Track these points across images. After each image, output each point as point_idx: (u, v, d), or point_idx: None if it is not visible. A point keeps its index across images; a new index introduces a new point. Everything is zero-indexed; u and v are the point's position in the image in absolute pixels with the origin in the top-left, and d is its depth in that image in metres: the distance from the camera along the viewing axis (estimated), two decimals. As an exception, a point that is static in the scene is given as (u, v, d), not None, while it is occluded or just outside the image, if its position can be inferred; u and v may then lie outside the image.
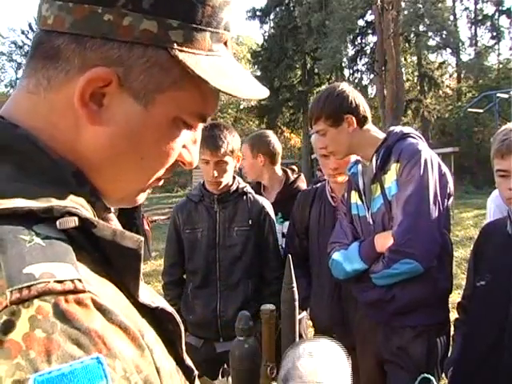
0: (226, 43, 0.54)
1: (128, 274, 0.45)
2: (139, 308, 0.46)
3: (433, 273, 1.62)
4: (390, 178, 1.66)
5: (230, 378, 1.31)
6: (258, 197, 2.18)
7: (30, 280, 0.35)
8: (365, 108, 1.78)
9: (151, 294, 0.50)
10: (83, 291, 0.37)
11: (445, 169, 1.67)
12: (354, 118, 1.74)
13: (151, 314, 0.47)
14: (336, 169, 2.02)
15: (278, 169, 2.54)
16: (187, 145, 0.58)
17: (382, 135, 1.77)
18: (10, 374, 0.32)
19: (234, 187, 2.11)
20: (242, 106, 37.20)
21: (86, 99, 0.48)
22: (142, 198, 0.59)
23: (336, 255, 1.81)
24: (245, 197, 2.12)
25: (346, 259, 1.76)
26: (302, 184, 2.53)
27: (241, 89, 0.53)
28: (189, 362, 0.54)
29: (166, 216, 13.41)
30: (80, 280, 0.38)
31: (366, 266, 1.70)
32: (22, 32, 38.40)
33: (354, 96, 1.76)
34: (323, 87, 29.68)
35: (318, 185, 2.31)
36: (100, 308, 0.38)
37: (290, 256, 1.23)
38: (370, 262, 1.69)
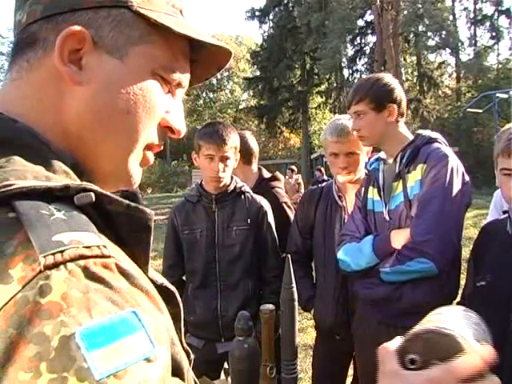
0: (181, 12, 0.59)
1: (139, 248, 0.48)
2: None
3: (443, 276, 1.63)
4: (414, 178, 1.68)
5: (229, 378, 1.31)
6: (256, 196, 2.17)
7: (60, 246, 0.38)
8: (404, 105, 1.81)
9: (154, 272, 0.53)
10: (108, 256, 0.40)
11: (467, 178, 1.68)
12: (396, 109, 1.76)
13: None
14: (345, 168, 2.01)
15: (254, 168, 2.53)
16: (171, 111, 0.60)
17: (410, 136, 1.80)
18: (56, 332, 0.34)
19: (231, 187, 2.11)
20: (241, 106, 37.24)
21: (66, 58, 0.51)
22: (136, 175, 0.60)
23: (347, 246, 1.81)
24: (243, 196, 2.13)
25: (357, 251, 1.76)
26: (278, 183, 2.50)
27: (203, 37, 0.57)
28: (185, 344, 0.56)
29: (166, 216, 13.39)
30: (105, 246, 0.40)
31: (376, 261, 1.70)
32: (22, 32, 38.36)
33: (399, 90, 1.80)
34: (322, 87, 29.79)
35: (324, 184, 2.30)
36: (123, 272, 0.41)
37: (289, 256, 1.23)
38: (382, 256, 1.69)
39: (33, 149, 0.48)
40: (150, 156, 0.61)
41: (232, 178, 2.14)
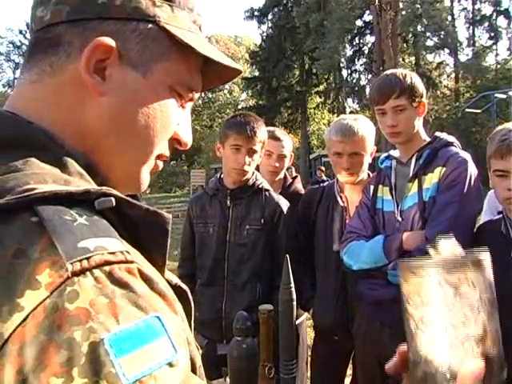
0: (200, 28, 0.61)
1: (156, 251, 0.49)
2: None
3: None
4: (431, 180, 1.66)
5: (228, 379, 1.31)
6: (274, 195, 2.10)
7: (86, 253, 0.38)
8: None
9: (168, 272, 0.54)
10: (132, 262, 0.41)
11: (480, 185, 1.68)
12: (426, 106, 1.76)
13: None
14: (348, 168, 1.98)
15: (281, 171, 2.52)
16: (181, 123, 0.61)
17: (425, 136, 1.78)
18: (85, 338, 0.35)
19: (250, 182, 2.04)
20: (240, 107, 37.23)
21: (91, 70, 0.51)
22: (145, 181, 0.61)
23: (354, 244, 1.78)
24: (260, 194, 2.05)
25: (364, 250, 1.73)
26: (299, 185, 2.51)
27: (221, 58, 0.59)
28: (194, 340, 0.57)
29: (164, 216, 13.38)
30: (128, 252, 0.41)
31: (385, 261, 1.68)
32: (20, 32, 38.38)
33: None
34: (321, 87, 29.79)
35: (325, 183, 2.28)
36: (145, 277, 0.42)
37: (287, 256, 1.23)
38: (392, 257, 1.66)
39: (48, 150, 0.48)
40: (160, 164, 0.63)
41: (253, 173, 2.08)
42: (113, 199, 0.44)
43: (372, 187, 1.87)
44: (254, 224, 2.02)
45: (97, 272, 0.38)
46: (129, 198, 0.46)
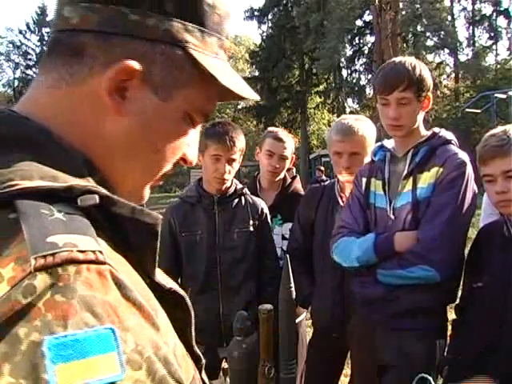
0: (225, 51, 0.60)
1: (145, 253, 0.47)
2: (153, 290, 0.47)
3: (445, 282, 1.58)
4: (427, 180, 1.61)
5: (228, 378, 1.32)
6: (255, 198, 2.16)
7: (53, 248, 0.36)
8: None
9: (163, 276, 0.52)
10: (103, 263, 0.38)
11: (475, 187, 1.63)
12: (430, 99, 1.69)
13: (163, 297, 0.48)
14: (348, 168, 1.97)
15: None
16: (190, 143, 0.61)
17: (424, 130, 1.71)
18: (27, 336, 0.33)
19: (232, 189, 2.09)
20: (240, 106, 37.16)
21: (112, 90, 0.51)
22: (147, 196, 0.61)
23: (345, 240, 1.75)
24: (243, 198, 2.11)
25: (356, 247, 1.70)
26: (298, 185, 2.52)
27: (242, 89, 0.59)
28: (197, 349, 0.57)
29: (164, 216, 13.41)
30: (101, 252, 0.38)
31: (375, 260, 1.65)
32: (20, 32, 38.39)
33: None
34: (321, 87, 29.79)
35: (327, 182, 2.29)
36: (117, 282, 0.38)
37: (287, 256, 1.23)
38: (382, 257, 1.63)
39: (44, 147, 0.47)
40: (161, 179, 0.63)
41: (232, 180, 2.12)
42: (96, 197, 0.42)
43: (364, 180, 1.81)
44: (243, 227, 2.06)
45: (61, 270, 0.36)
46: (115, 197, 0.44)
